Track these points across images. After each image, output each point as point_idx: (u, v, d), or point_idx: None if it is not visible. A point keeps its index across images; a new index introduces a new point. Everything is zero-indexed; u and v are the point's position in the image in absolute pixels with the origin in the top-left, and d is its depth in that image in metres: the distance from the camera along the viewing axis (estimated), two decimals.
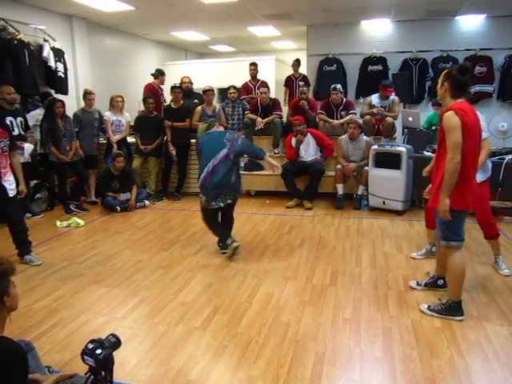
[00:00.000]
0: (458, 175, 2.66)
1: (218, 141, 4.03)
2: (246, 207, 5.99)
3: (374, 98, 6.17)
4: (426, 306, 2.96)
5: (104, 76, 8.05)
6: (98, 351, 1.65)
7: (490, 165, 3.68)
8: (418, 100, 8.08)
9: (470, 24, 7.81)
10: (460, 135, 2.63)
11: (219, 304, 3.12)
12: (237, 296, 3.25)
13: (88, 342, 1.69)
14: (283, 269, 3.76)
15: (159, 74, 7.17)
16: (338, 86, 6.25)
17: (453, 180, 2.67)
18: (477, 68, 7.64)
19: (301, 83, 7.38)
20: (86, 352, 1.65)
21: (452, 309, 2.87)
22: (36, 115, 5.70)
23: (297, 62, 7.98)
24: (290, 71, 8.06)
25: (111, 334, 1.76)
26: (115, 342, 1.75)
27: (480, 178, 3.36)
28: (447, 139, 2.67)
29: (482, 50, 7.67)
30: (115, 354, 1.97)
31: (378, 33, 8.27)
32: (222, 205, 3.98)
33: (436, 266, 3.31)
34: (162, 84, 7.24)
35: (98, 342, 1.69)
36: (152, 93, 6.77)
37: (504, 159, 4.87)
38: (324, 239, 4.57)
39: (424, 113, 6.51)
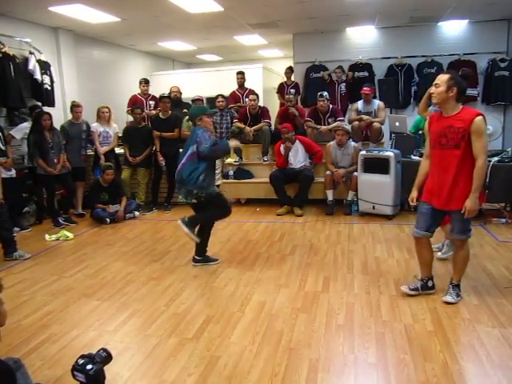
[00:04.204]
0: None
1: (191, 137, 3.93)
2: (237, 215, 5.98)
3: (360, 104, 6.23)
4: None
5: (91, 87, 8.01)
6: (89, 366, 1.63)
7: None
8: (405, 105, 8.18)
9: (453, 29, 7.95)
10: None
11: (212, 314, 3.09)
12: (229, 305, 3.23)
13: (78, 358, 1.67)
14: (275, 277, 3.75)
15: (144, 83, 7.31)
16: (325, 94, 6.29)
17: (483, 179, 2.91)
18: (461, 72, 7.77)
19: (292, 90, 7.44)
20: (76, 368, 1.64)
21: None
22: (24, 128, 5.64)
23: (289, 70, 8.18)
24: (277, 79, 8.12)
25: (102, 349, 1.75)
26: (106, 357, 1.73)
27: None
28: (479, 142, 2.81)
29: (465, 54, 7.82)
30: (107, 368, 1.96)
31: (363, 39, 8.38)
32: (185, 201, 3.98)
33: (423, 269, 3.27)
34: (145, 93, 7.28)
35: (89, 357, 1.67)
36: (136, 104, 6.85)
37: (490, 161, 4.93)
38: (315, 246, 4.58)
39: (410, 118, 6.59)
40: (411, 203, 3.25)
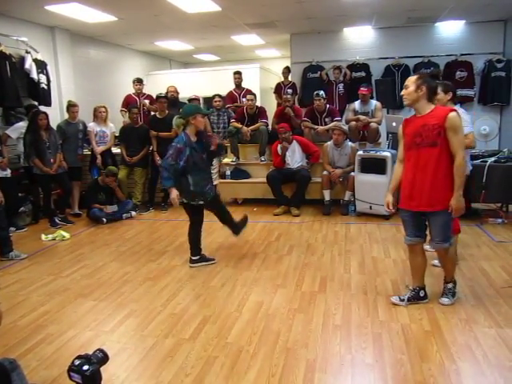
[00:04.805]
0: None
1: None
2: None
3: (357, 105, 6.24)
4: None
5: (88, 87, 7.99)
6: (85, 367, 1.63)
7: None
8: (401, 105, 8.14)
9: (450, 30, 7.97)
10: None
11: (209, 314, 3.09)
12: (226, 305, 3.22)
13: (74, 358, 1.66)
14: (272, 277, 3.75)
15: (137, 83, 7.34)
16: (321, 93, 6.29)
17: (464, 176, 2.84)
18: (458, 73, 7.80)
19: (289, 90, 7.44)
20: (72, 369, 1.63)
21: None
22: (20, 128, 5.61)
23: (287, 70, 8.22)
24: (275, 79, 8.12)
25: (98, 349, 1.74)
26: (103, 357, 1.72)
27: None
28: (456, 138, 2.76)
29: (462, 55, 7.83)
30: (103, 369, 1.95)
31: (360, 40, 8.39)
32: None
33: (415, 278, 3.14)
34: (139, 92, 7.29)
35: (85, 358, 1.66)
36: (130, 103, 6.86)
37: (487, 162, 4.94)
38: (312, 246, 4.58)
39: None
40: (386, 209, 3.16)
